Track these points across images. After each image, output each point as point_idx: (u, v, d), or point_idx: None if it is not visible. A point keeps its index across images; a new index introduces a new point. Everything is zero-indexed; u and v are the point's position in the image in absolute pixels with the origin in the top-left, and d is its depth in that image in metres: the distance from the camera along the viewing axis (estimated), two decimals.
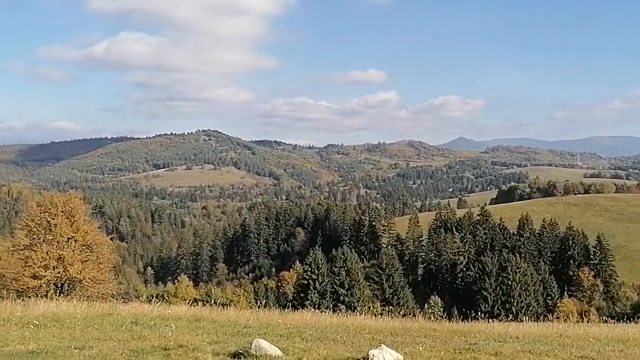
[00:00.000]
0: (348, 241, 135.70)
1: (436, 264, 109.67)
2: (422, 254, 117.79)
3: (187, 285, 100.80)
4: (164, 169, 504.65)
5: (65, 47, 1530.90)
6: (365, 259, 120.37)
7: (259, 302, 42.52)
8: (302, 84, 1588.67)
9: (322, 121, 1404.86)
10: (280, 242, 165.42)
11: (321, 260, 70.21)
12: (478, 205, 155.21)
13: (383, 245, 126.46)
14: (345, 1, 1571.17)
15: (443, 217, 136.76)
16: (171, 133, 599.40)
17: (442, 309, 68.40)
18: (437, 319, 17.71)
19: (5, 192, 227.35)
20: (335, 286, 68.64)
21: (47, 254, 43.38)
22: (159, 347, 8.13)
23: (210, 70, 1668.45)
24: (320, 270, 68.32)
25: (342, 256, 73.36)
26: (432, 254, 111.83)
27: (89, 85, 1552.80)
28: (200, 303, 16.96)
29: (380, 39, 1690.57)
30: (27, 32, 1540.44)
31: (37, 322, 9.84)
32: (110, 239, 63.36)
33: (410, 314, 25.22)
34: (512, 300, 76.06)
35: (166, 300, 58.41)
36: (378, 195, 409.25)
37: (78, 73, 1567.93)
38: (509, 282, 76.96)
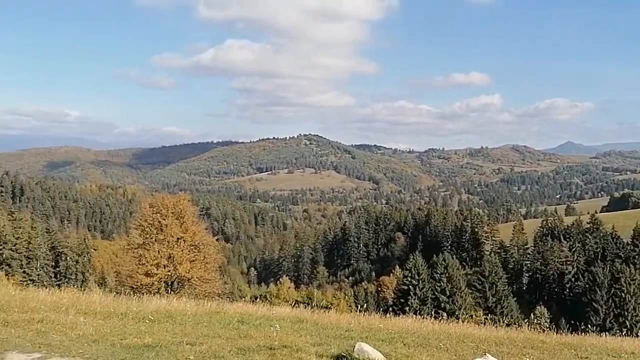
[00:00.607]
0: (449, 247, 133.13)
1: (542, 273, 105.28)
2: (527, 262, 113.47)
3: (289, 287, 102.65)
4: (266, 173, 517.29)
5: (176, 55, 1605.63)
6: (467, 266, 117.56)
7: (358, 305, 42.47)
8: (402, 87, 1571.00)
9: (422, 125, 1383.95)
10: (380, 246, 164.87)
11: (422, 266, 69.35)
12: (588, 213, 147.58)
13: (486, 252, 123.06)
14: (446, 3, 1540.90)
15: (550, 225, 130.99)
16: (273, 137, 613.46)
17: (548, 320, 65.52)
18: (544, 330, 16.96)
19: (120, 194, 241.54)
20: (436, 293, 67.55)
21: (158, 252, 45.66)
22: (265, 347, 8.38)
23: (311, 76, 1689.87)
24: (421, 276, 67.48)
25: (443, 262, 72.05)
26: (538, 263, 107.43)
27: (197, 91, 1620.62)
28: (302, 305, 17.18)
29: (483, 41, 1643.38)
30: (141, 42, 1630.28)
31: (152, 318, 10.39)
32: (216, 239, 65.59)
33: (515, 323, 24.44)
34: (625, 313, 71.63)
35: (268, 300, 59.60)
36: (480, 201, 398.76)
37: (187, 80, 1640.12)
38: (623, 294, 72.52)
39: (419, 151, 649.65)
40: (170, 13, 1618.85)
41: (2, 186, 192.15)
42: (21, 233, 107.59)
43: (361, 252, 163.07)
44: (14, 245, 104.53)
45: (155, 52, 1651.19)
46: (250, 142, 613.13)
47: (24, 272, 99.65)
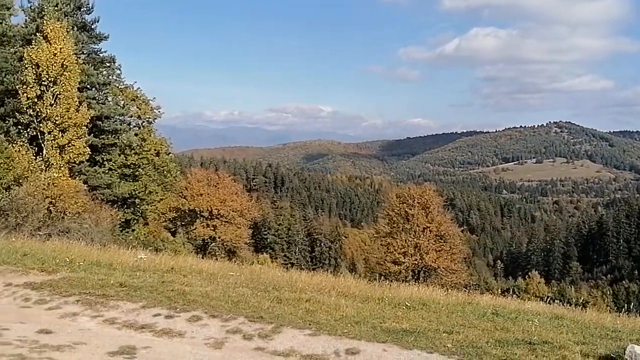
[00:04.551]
0: None
1: None
2: None
3: (538, 282, 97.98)
4: (512, 163, 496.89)
5: (419, 48, 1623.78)
6: None
7: (618, 305, 38.90)
8: None
9: None
10: None
11: None
12: None
13: None
14: None
15: None
16: (520, 126, 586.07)
17: None
18: None
19: (368, 184, 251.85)
20: None
21: (405, 242, 46.92)
22: (523, 341, 8.18)
23: (563, 60, 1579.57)
24: None
25: None
26: None
27: (440, 82, 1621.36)
28: (555, 301, 16.26)
29: None
30: (387, 38, 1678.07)
31: (408, 304, 10.75)
32: (461, 231, 65.10)
33: None
34: None
35: (517, 295, 57.57)
36: None
37: (430, 71, 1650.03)
38: None
39: None
40: (414, 7, 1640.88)
41: (266, 177, 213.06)
42: (282, 220, 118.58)
43: (621, 248, 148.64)
44: (277, 231, 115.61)
45: (401, 46, 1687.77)
46: (496, 131, 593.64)
47: (285, 255, 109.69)
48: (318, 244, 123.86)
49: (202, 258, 21.98)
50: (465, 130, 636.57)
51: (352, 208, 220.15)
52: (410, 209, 47.76)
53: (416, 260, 46.01)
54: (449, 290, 15.33)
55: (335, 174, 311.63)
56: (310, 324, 8.94)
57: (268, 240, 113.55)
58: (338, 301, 10.78)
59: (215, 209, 51.52)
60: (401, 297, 11.67)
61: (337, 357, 7.58)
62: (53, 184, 31.03)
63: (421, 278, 43.35)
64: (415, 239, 46.66)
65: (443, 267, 46.40)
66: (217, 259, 26.14)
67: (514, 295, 20.91)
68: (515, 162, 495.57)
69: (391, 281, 18.10)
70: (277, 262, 71.79)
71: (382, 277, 31.43)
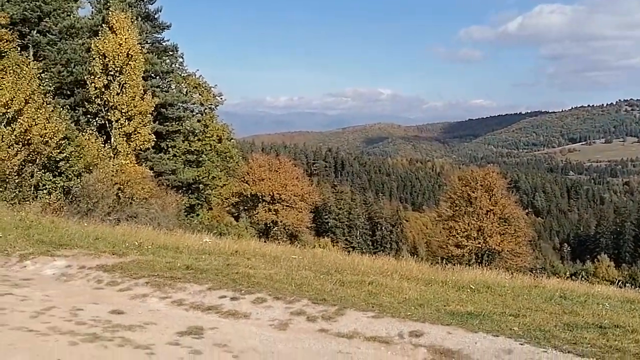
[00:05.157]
0: None
1: None
2: None
3: (608, 266, 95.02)
4: (580, 143, 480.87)
5: (481, 27, 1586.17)
6: None
7: None
8: None
9: None
10: None
11: None
12: None
13: None
14: None
15: None
16: (588, 105, 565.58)
17: None
18: None
19: (429, 167, 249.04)
20: None
21: (468, 225, 46.35)
22: (593, 325, 7.95)
23: (635, 35, 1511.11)
24: None
25: None
26: None
27: (503, 62, 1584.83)
28: (627, 285, 15.71)
29: None
30: (448, 17, 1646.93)
31: (472, 287, 10.61)
32: (526, 213, 63.67)
33: None
34: None
35: (585, 279, 56.09)
36: None
37: (492, 51, 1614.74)
38: None
39: None
40: None
41: (326, 162, 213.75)
42: (342, 204, 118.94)
43: None
44: (337, 215, 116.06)
45: (462, 26, 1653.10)
46: (562, 111, 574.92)
47: (346, 239, 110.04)
48: (379, 228, 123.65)
49: (265, 242, 22.30)
50: (529, 111, 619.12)
51: (413, 192, 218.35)
52: (473, 192, 47.10)
53: (479, 243, 45.43)
54: (514, 273, 15.06)
55: (396, 157, 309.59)
56: (373, 306, 8.94)
57: (329, 224, 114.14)
58: (401, 284, 10.74)
59: (277, 194, 52.16)
60: (465, 280, 11.52)
61: (401, 339, 7.56)
62: (121, 170, 32.06)
63: (485, 261, 42.72)
64: (478, 222, 46.05)
65: (507, 250, 45.67)
66: (279, 243, 26.48)
67: (582, 279, 20.34)
68: (583, 143, 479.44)
69: (454, 265, 17.93)
70: (338, 246, 72.11)
71: (445, 260, 31.13)
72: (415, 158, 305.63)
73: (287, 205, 52.84)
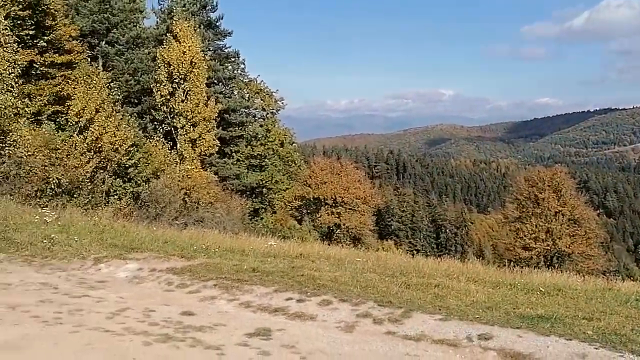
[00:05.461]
0: None
1: None
2: None
3: None
4: None
5: (545, 24, 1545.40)
6: None
7: None
8: None
9: None
10: None
11: None
12: None
13: None
14: None
15: None
16: None
17: None
18: None
19: (494, 168, 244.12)
20: None
21: (536, 227, 45.12)
22: None
23: None
24: None
25: None
26: None
27: (569, 59, 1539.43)
28: None
29: None
30: (510, 15, 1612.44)
31: (542, 290, 10.34)
32: (597, 214, 61.42)
33: None
34: None
35: None
36: None
37: (557, 48, 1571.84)
38: None
39: None
40: None
41: (388, 164, 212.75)
42: (405, 206, 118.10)
43: None
44: (400, 218, 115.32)
45: (526, 23, 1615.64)
46: (633, 107, 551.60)
47: (410, 242, 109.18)
48: (443, 231, 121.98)
49: (328, 245, 22.36)
50: (598, 108, 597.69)
51: (477, 193, 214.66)
52: (541, 193, 45.84)
53: (548, 245, 44.17)
54: (586, 276, 14.58)
55: (459, 158, 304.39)
56: (440, 309, 8.84)
57: (392, 227, 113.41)
58: (468, 286, 10.56)
59: (339, 197, 52.23)
60: (534, 283, 11.22)
61: (470, 343, 7.44)
62: (187, 176, 32.88)
63: (554, 264, 41.49)
64: (546, 224, 44.78)
65: (578, 253, 44.22)
66: (342, 246, 26.51)
67: None
68: None
69: (522, 267, 17.48)
70: (401, 249, 71.61)
71: (512, 263, 30.45)
72: (479, 159, 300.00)
73: (349, 208, 52.83)
